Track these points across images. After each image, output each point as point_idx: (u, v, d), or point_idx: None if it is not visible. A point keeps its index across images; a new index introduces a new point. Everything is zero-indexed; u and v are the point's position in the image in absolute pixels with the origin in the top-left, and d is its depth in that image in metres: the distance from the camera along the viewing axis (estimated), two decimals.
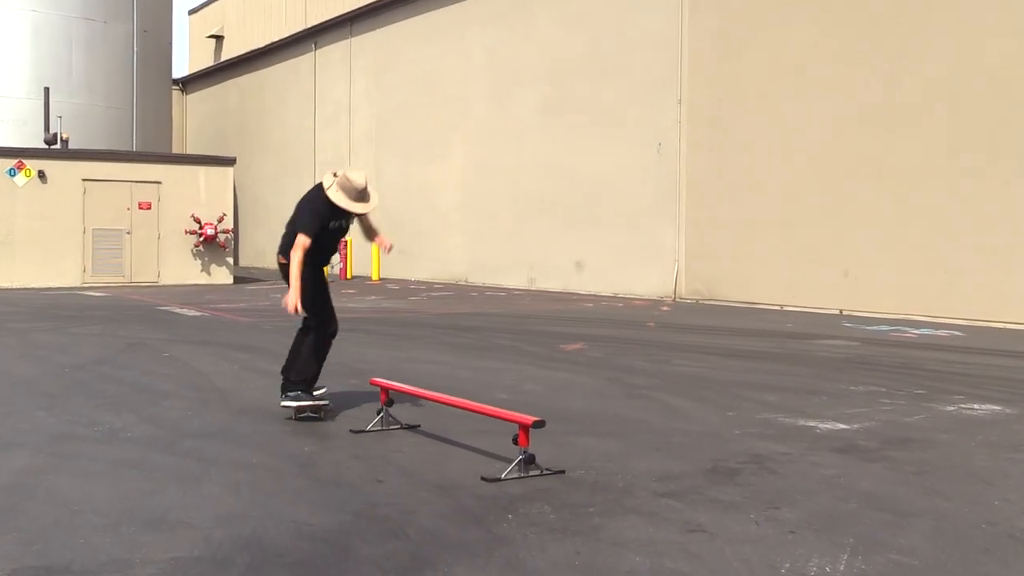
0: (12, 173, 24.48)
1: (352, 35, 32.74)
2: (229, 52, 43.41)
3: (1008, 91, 15.80)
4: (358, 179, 7.52)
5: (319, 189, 7.62)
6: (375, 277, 28.86)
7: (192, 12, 48.47)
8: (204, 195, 26.52)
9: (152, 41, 32.93)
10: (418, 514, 5.07)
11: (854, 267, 17.85)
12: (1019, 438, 7.09)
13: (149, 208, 25.81)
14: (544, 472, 5.83)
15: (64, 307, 18.49)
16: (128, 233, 25.56)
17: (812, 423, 7.56)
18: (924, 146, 16.86)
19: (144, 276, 25.86)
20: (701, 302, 20.44)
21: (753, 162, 19.65)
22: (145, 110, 32.53)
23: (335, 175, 7.60)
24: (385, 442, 6.80)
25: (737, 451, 6.57)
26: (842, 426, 7.45)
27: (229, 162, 27.57)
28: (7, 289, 23.65)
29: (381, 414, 7.16)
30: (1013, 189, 15.73)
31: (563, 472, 5.90)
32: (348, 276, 29.28)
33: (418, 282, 27.78)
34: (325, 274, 7.94)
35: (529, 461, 5.80)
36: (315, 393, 7.73)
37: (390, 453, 6.47)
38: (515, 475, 5.74)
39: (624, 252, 22.39)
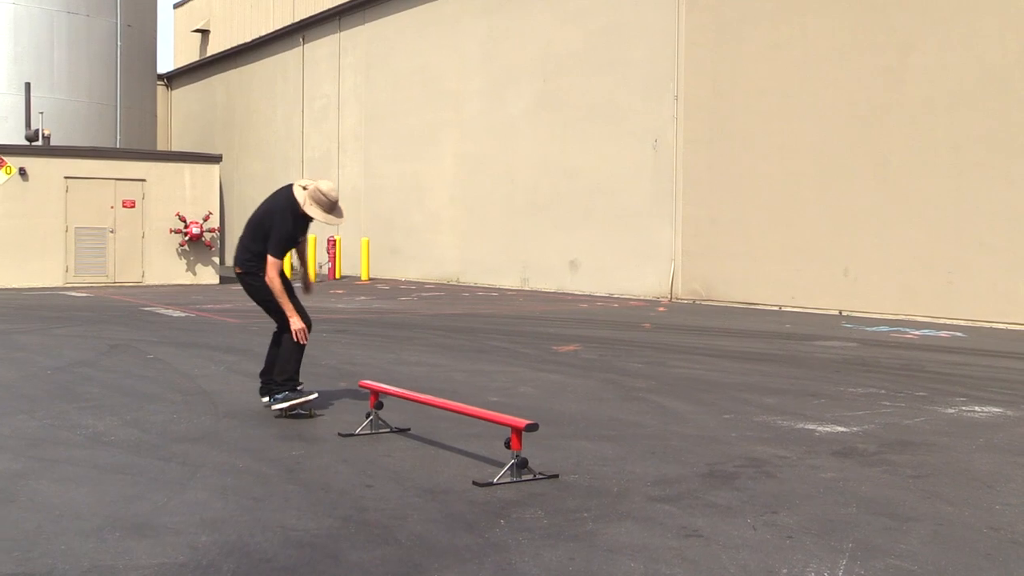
0: None
1: (341, 29, 32.72)
2: (215, 47, 43.37)
3: (1011, 88, 15.85)
4: (331, 191, 7.86)
5: (289, 200, 7.83)
6: (364, 277, 28.85)
7: (177, 6, 48.42)
8: (190, 193, 26.50)
9: (136, 35, 32.90)
10: (408, 519, 5.07)
11: (854, 266, 17.89)
12: (1021, 441, 7.11)
13: (133, 206, 25.77)
14: (537, 476, 5.84)
15: (46, 308, 18.46)
16: (111, 232, 25.52)
17: (811, 426, 7.58)
18: (925, 143, 16.90)
19: (128, 276, 25.82)
20: (698, 303, 20.46)
21: (751, 159, 19.68)
22: (129, 106, 32.51)
23: (305, 188, 7.86)
24: (374, 446, 6.81)
25: (734, 455, 6.59)
26: (841, 429, 7.47)
27: (215, 159, 27.55)
28: None
29: (370, 417, 7.16)
30: (1016, 188, 15.78)
31: (557, 476, 5.91)
32: (337, 276, 29.26)
33: (409, 282, 27.78)
34: (287, 274, 8.22)
35: (522, 465, 5.81)
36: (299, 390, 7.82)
37: (380, 457, 6.48)
38: (508, 479, 5.75)
39: (620, 251, 22.42)
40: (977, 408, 8.43)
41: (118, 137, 31.80)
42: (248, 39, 39.04)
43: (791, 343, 13.37)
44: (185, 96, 44.07)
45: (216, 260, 27.12)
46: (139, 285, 25.57)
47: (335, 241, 29.37)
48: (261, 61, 37.56)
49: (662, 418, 7.92)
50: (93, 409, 8.12)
